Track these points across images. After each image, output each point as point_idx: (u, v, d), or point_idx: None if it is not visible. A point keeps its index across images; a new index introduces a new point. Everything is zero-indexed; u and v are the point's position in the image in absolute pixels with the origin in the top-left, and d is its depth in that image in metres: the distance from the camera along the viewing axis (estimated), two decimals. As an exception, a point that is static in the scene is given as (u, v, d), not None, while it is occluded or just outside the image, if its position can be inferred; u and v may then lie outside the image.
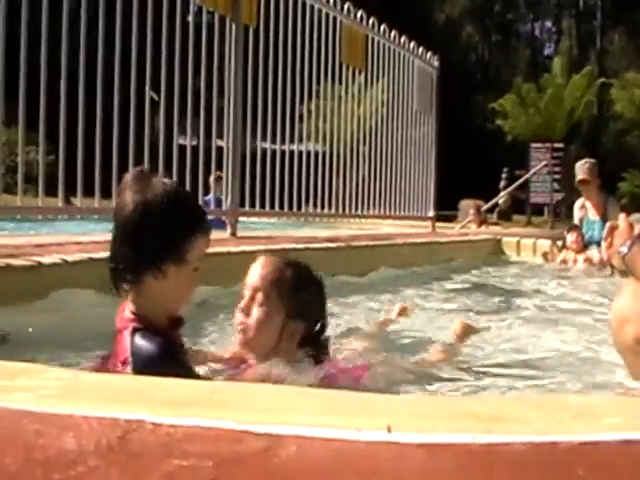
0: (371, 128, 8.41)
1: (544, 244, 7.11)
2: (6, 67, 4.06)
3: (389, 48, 8.16)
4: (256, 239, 4.90)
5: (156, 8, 5.07)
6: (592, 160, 7.30)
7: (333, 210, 7.51)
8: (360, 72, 7.85)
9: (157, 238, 1.66)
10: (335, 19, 7.11)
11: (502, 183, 19.04)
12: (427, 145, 8.95)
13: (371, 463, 0.82)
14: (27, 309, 2.53)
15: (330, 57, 7.12)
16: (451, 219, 14.37)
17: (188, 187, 5.06)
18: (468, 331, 2.79)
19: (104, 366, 1.72)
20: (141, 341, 1.63)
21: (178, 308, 1.78)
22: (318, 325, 2.06)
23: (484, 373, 2.26)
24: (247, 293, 2.02)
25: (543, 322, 3.42)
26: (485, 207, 12.56)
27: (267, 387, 1.24)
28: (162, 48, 5.17)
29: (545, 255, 6.89)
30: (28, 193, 4.92)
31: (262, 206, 6.35)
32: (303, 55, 6.78)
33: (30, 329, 2.40)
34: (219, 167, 5.85)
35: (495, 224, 13.46)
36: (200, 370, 1.90)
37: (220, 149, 5.77)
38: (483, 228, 10.93)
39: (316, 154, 7.28)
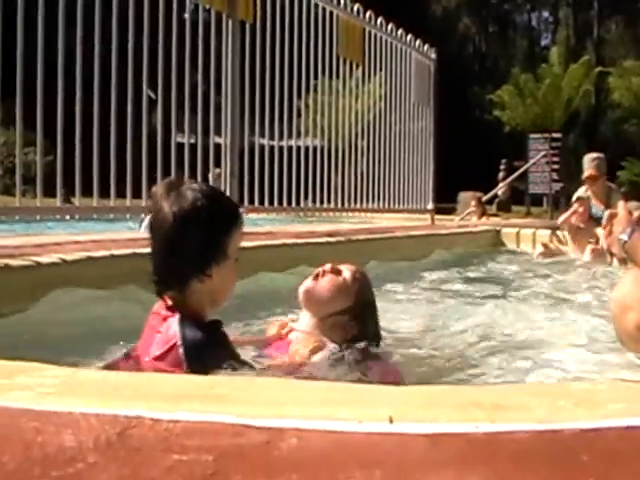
0: (369, 122, 8.40)
1: (544, 234, 7.10)
2: (3, 67, 4.05)
3: (386, 41, 8.14)
4: (255, 235, 4.88)
5: (152, 6, 5.06)
6: (601, 155, 7.03)
7: (332, 205, 7.51)
8: (357, 66, 7.84)
9: (201, 244, 1.70)
10: (332, 13, 7.10)
11: (501, 174, 19.01)
12: (425, 138, 8.93)
13: (373, 454, 0.81)
14: (26, 309, 2.52)
15: (327, 51, 7.11)
16: (450, 211, 14.34)
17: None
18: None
19: (133, 360, 1.72)
20: (191, 327, 1.65)
21: (223, 301, 1.82)
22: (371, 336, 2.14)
23: (483, 362, 2.25)
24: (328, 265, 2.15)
25: (543, 307, 3.43)
26: (485, 198, 12.55)
27: (267, 380, 1.23)
28: (159, 46, 5.17)
29: (545, 245, 6.87)
30: (27, 194, 4.91)
31: (261, 202, 6.35)
32: (300, 50, 6.78)
33: (30, 329, 2.39)
34: (217, 164, 5.84)
35: (495, 215, 13.45)
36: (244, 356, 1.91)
37: (218, 146, 5.77)
38: (484, 219, 10.93)
39: (314, 149, 7.27)
